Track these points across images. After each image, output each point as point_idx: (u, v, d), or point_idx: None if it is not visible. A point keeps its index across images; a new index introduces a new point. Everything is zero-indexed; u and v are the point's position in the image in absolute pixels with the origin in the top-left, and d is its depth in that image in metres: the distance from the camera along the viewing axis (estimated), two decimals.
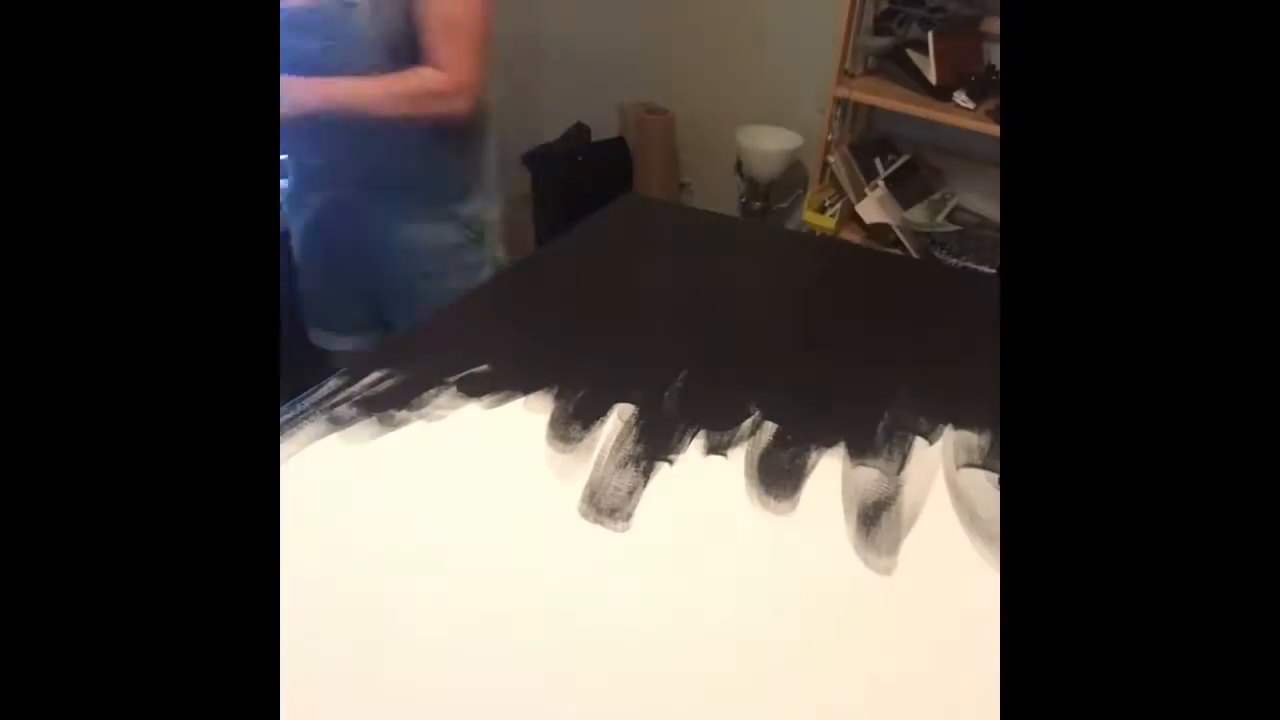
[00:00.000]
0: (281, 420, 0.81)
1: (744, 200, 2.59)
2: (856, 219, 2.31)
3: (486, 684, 0.60)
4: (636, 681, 0.60)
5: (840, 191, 2.34)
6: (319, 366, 1.48)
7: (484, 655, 0.62)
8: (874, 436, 0.74)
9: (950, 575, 0.67)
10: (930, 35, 2.08)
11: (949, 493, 0.74)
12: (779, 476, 0.75)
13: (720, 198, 2.79)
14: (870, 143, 2.39)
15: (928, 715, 0.59)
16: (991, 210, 2.34)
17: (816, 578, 0.66)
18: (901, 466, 0.77)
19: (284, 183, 1.39)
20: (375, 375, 0.88)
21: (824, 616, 0.64)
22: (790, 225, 2.72)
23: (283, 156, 1.35)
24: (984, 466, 0.72)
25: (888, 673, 0.61)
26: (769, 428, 0.79)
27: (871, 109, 2.34)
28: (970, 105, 2.08)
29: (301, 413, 0.83)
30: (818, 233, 2.37)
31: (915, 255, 2.20)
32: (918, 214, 2.31)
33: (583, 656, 0.62)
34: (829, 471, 0.76)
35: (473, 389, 0.87)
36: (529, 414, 0.85)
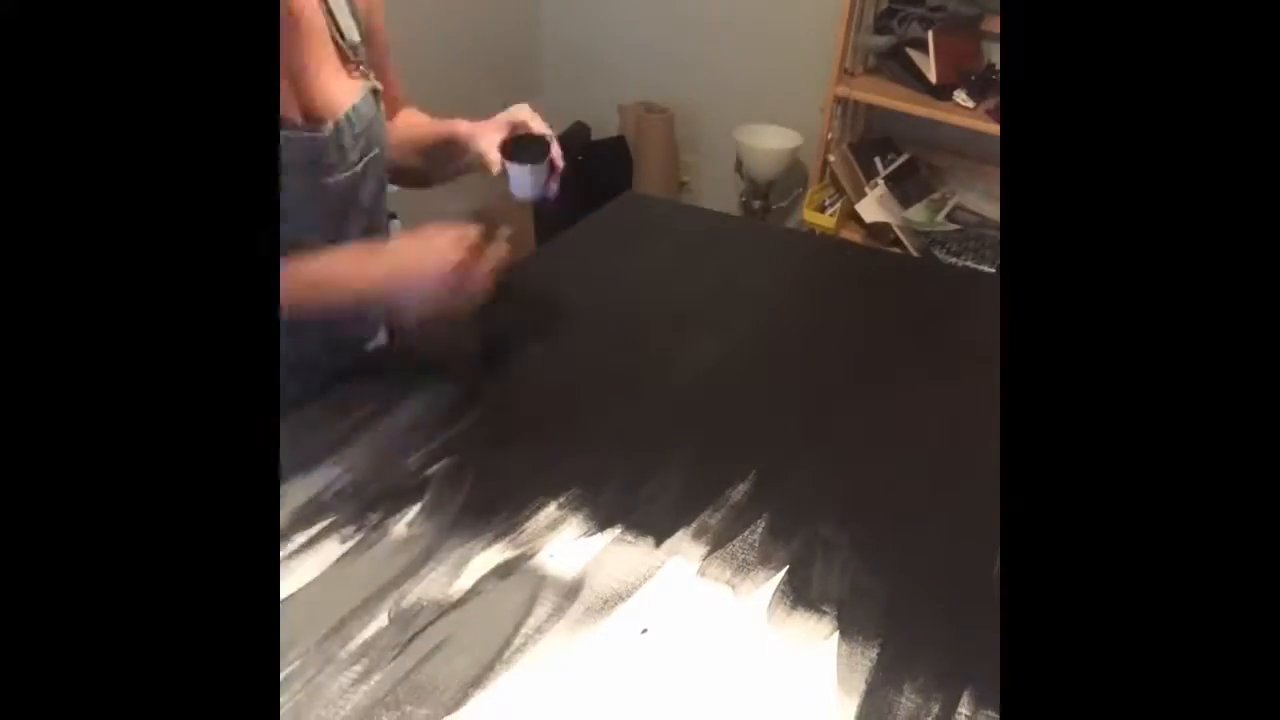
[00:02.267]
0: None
1: (744, 199, 2.59)
2: (856, 218, 2.31)
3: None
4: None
5: (840, 190, 2.34)
6: None
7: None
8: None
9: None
10: (930, 34, 2.08)
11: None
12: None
13: (720, 196, 2.79)
14: (870, 142, 2.39)
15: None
16: (991, 209, 2.34)
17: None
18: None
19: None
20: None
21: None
22: (790, 224, 2.72)
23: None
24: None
25: None
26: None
27: (871, 108, 2.34)
28: (970, 104, 2.08)
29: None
30: (817, 231, 2.37)
31: (915, 254, 2.20)
32: (917, 213, 2.31)
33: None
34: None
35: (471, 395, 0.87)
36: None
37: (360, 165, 0.89)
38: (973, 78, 2.09)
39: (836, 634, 0.65)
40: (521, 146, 0.90)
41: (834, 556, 0.71)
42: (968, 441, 0.86)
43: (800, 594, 0.68)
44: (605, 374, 0.94)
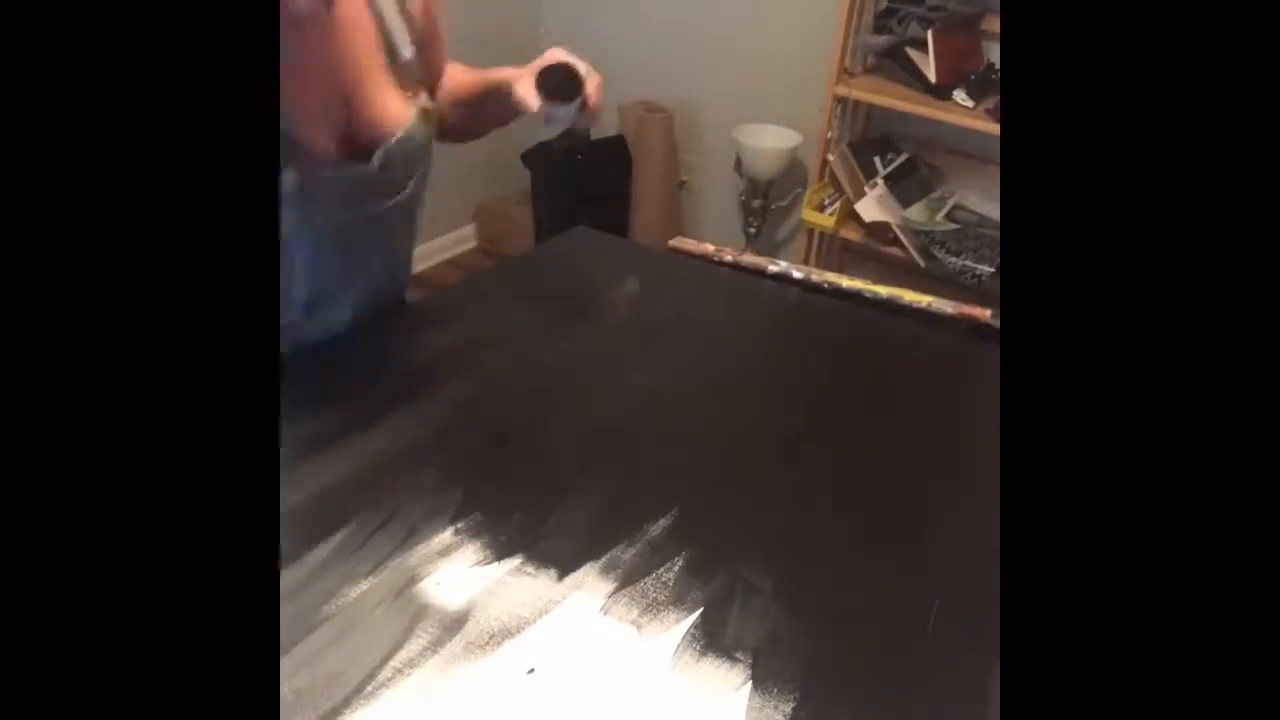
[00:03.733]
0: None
1: (743, 199, 2.59)
2: (855, 217, 2.31)
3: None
4: None
5: (839, 190, 2.34)
6: None
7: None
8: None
9: None
10: (930, 33, 2.08)
11: None
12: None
13: (719, 196, 2.79)
14: (869, 141, 2.39)
15: None
16: (991, 209, 2.34)
17: None
18: None
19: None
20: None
21: None
22: (789, 223, 2.72)
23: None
24: None
25: None
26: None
27: (871, 107, 2.34)
28: (970, 104, 2.08)
29: None
30: (818, 230, 2.36)
31: (915, 255, 2.20)
32: (917, 212, 2.31)
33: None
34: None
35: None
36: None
37: (410, 187, 0.90)
38: (972, 77, 2.09)
39: (749, 685, 0.59)
40: (556, 83, 0.95)
41: (754, 600, 0.65)
42: (906, 488, 0.80)
43: (713, 639, 0.62)
44: (528, 399, 0.88)
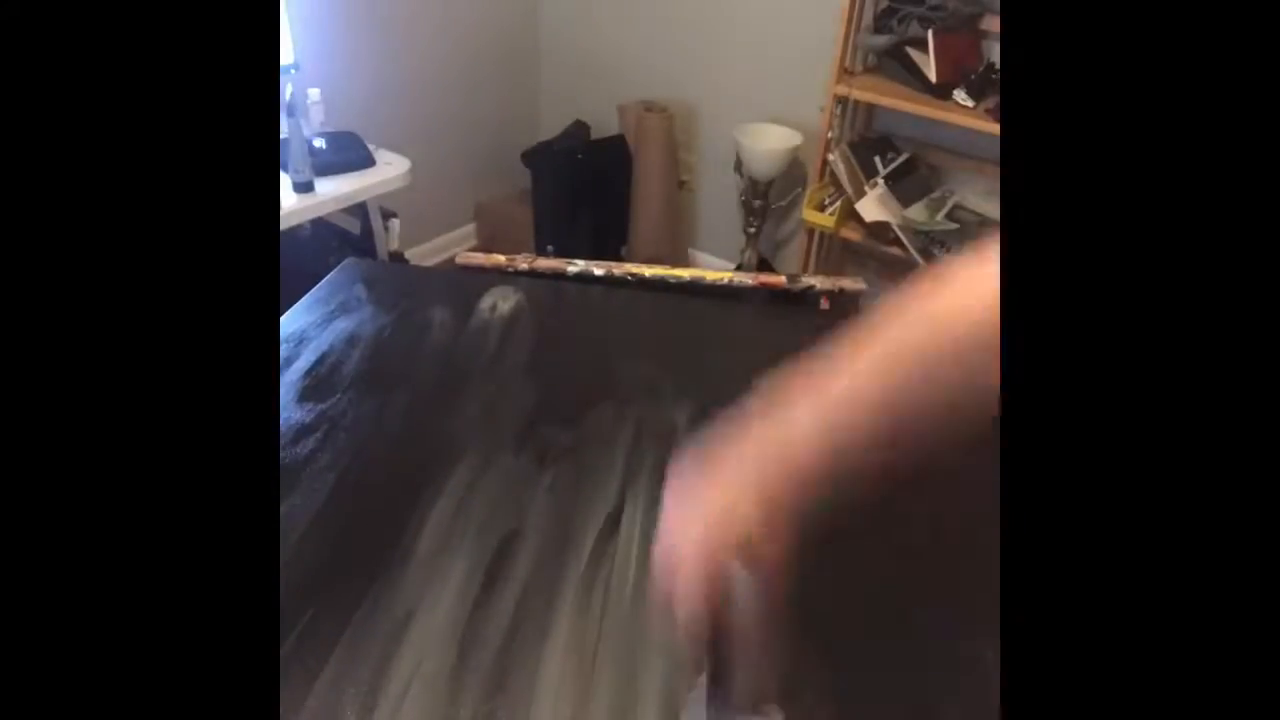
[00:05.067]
0: None
1: (744, 198, 2.59)
2: (856, 217, 2.31)
3: None
4: None
5: (840, 189, 2.34)
6: None
7: None
8: None
9: None
10: (930, 33, 2.08)
11: None
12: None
13: (719, 196, 2.79)
14: (870, 141, 2.39)
15: None
16: (991, 209, 2.34)
17: None
18: None
19: None
20: None
21: None
22: (789, 223, 2.72)
23: None
24: None
25: None
26: None
27: (871, 107, 2.34)
28: (970, 103, 2.08)
29: None
30: (818, 230, 2.36)
31: (916, 255, 2.20)
32: (917, 212, 2.31)
33: None
34: None
35: None
36: None
37: None
38: (972, 77, 2.09)
39: None
40: None
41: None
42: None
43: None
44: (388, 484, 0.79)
